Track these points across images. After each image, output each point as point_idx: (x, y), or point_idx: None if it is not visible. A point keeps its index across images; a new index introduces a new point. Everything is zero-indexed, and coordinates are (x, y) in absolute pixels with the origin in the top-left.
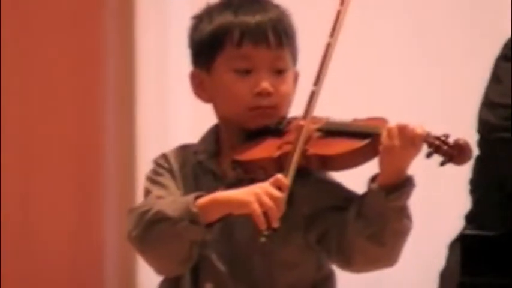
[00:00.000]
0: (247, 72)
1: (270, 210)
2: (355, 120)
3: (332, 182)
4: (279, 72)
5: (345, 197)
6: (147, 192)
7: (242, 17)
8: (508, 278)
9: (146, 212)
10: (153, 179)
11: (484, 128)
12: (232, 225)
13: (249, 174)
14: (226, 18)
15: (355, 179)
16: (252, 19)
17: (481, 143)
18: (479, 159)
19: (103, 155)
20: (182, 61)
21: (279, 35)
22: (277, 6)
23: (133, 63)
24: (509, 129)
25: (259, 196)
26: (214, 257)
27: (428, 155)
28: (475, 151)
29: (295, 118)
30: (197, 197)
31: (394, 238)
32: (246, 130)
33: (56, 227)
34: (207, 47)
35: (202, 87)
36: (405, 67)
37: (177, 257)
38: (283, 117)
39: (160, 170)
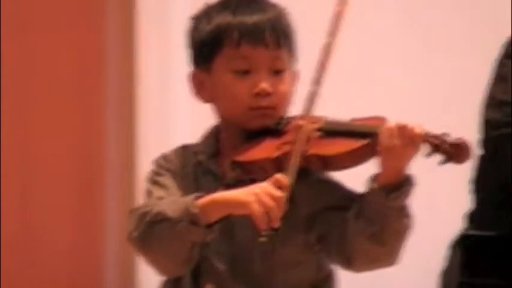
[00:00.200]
0: (246, 72)
1: (271, 210)
2: (354, 120)
3: (332, 182)
4: (278, 72)
5: (345, 196)
6: (148, 193)
7: (240, 17)
8: (508, 278)
9: (146, 213)
10: (153, 179)
11: (489, 127)
12: (233, 225)
13: (248, 174)
14: (225, 18)
15: (355, 178)
16: (250, 19)
17: (486, 142)
18: (482, 159)
19: (104, 156)
20: (183, 62)
21: (277, 35)
22: (275, 6)
23: (134, 63)
24: None
25: (260, 196)
26: (214, 257)
27: (428, 154)
28: (478, 151)
29: (294, 118)
30: (197, 198)
31: (395, 237)
32: (246, 130)
33: (56, 228)
34: (206, 48)
35: (201, 87)
36: (405, 66)
37: (177, 257)
38: (282, 117)
39: (161, 171)
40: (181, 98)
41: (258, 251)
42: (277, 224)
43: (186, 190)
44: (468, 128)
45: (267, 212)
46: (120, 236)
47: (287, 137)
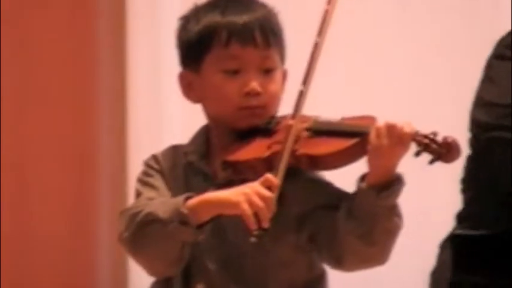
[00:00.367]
0: (236, 72)
1: (260, 210)
2: (344, 119)
3: (322, 181)
4: (267, 71)
5: (336, 196)
6: (138, 194)
7: (229, 17)
8: (499, 277)
9: (137, 213)
10: (143, 180)
11: (478, 127)
12: (224, 225)
13: (239, 174)
14: (214, 18)
15: (346, 178)
16: (239, 19)
17: (474, 143)
18: (471, 159)
19: (96, 156)
20: (174, 62)
21: (266, 34)
22: (264, 6)
23: (125, 64)
24: (503, 128)
25: (249, 196)
26: (205, 257)
27: (417, 154)
28: (467, 150)
29: (284, 117)
30: (187, 198)
31: (385, 237)
32: (236, 130)
33: (48, 229)
34: (195, 48)
35: (191, 88)
36: (394, 66)
37: (168, 258)
38: (273, 117)
39: (151, 172)
40: (173, 98)
41: (249, 250)
42: (267, 223)
43: (176, 190)
44: (459, 128)
45: (257, 212)
46: (112, 237)
47: (277, 137)
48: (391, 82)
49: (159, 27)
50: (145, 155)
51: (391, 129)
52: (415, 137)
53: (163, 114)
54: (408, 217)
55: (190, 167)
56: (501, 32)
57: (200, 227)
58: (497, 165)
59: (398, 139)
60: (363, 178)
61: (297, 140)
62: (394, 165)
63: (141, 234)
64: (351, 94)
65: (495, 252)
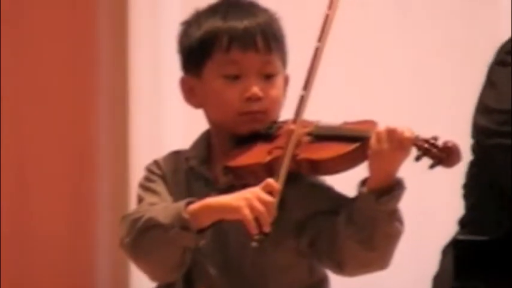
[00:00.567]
0: (237, 77)
1: (261, 215)
2: (345, 124)
3: (323, 186)
4: (269, 76)
5: (337, 200)
6: (140, 199)
7: (230, 22)
8: (500, 283)
9: (138, 219)
10: (145, 185)
11: (479, 133)
12: (225, 230)
13: (240, 179)
14: (215, 23)
15: (346, 182)
16: (240, 24)
17: (476, 148)
18: (473, 164)
19: (96, 162)
20: (175, 67)
21: (267, 39)
22: (265, 11)
23: (126, 68)
24: (505, 135)
25: (250, 201)
26: (207, 262)
27: (417, 158)
28: (469, 156)
29: (285, 122)
30: (188, 203)
31: (385, 242)
32: (237, 135)
33: (49, 234)
34: (196, 53)
35: (192, 93)
36: (395, 70)
37: (169, 263)
38: (274, 122)
39: (153, 177)
40: (174, 103)
41: (250, 255)
42: (268, 228)
43: (178, 196)
44: (459, 132)
45: (258, 216)
46: (113, 242)
47: (278, 142)
48: (392, 87)
49: (160, 30)
50: (146, 160)
51: (391, 133)
52: (416, 141)
53: (164, 118)
54: (409, 222)
55: (191, 172)
56: (501, 36)
57: (201, 232)
58: (498, 171)
59: (398, 144)
60: (363, 183)
61: (298, 144)
62: (395, 169)
63: (142, 239)
64: (352, 99)
65: (497, 257)
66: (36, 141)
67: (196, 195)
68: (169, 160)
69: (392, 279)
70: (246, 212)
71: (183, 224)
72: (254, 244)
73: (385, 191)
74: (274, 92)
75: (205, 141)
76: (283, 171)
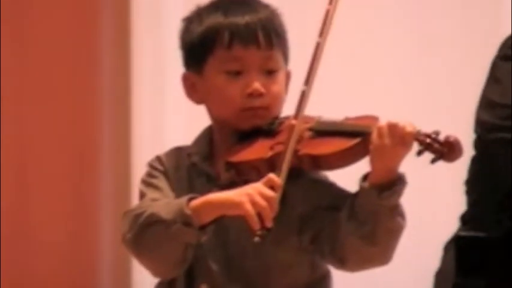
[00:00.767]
0: (238, 73)
1: (263, 210)
2: (346, 119)
3: (326, 182)
4: (270, 72)
5: (339, 196)
6: (142, 195)
7: (232, 18)
8: (502, 279)
9: (140, 214)
10: (147, 181)
11: (482, 128)
12: (227, 226)
13: (242, 175)
14: (216, 19)
15: (348, 177)
16: (241, 20)
17: (478, 143)
18: (475, 160)
19: (99, 158)
20: (177, 63)
21: (269, 35)
22: (267, 6)
23: (129, 65)
24: (507, 130)
25: (252, 196)
26: (209, 258)
27: (419, 153)
28: (471, 151)
29: (287, 118)
30: (190, 199)
31: (387, 237)
32: (239, 131)
33: (51, 230)
34: (198, 49)
35: (194, 89)
36: (397, 65)
37: (171, 259)
38: (276, 118)
39: (155, 173)
40: (176, 99)
41: (252, 251)
42: (270, 223)
43: (180, 192)
44: (460, 128)
45: (260, 211)
46: (115, 238)
47: (280, 137)
48: (393, 82)
49: (162, 28)
50: (149, 156)
51: (393, 128)
52: (417, 136)
53: (166, 114)
54: (411, 217)
55: (193, 168)
56: (501, 33)
57: (203, 228)
58: (499, 166)
59: (400, 139)
60: (365, 178)
61: (300, 140)
62: (396, 164)
63: (144, 235)
64: (353, 94)
65: (499, 254)
66: (37, 138)
67: (198, 191)
68: (171, 156)
69: (394, 274)
70: (248, 207)
71: (185, 220)
72: (256, 239)
73: (387, 186)
74: (276, 87)
75: (207, 137)
76: (285, 167)
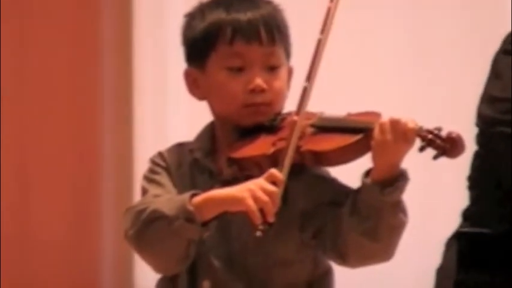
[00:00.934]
0: (240, 69)
1: (265, 205)
2: (348, 115)
3: (327, 178)
4: (272, 68)
5: (341, 192)
6: (144, 191)
7: (234, 14)
8: (504, 275)
9: (142, 210)
10: (149, 177)
11: (483, 123)
12: (229, 222)
13: (244, 171)
14: (218, 15)
15: (350, 173)
16: (243, 16)
17: (480, 138)
18: (477, 155)
19: (100, 154)
20: (180, 59)
21: (271, 31)
22: (269, 2)
23: (130, 62)
24: (507, 124)
25: (254, 192)
26: (211, 254)
27: (421, 149)
28: (474, 147)
29: (289, 114)
30: (193, 195)
31: (389, 233)
32: (241, 127)
33: (53, 227)
34: (200, 45)
35: (196, 85)
36: (400, 61)
37: (174, 255)
38: (278, 114)
39: (157, 169)
40: (178, 95)
41: (254, 247)
42: (272, 218)
43: (182, 188)
44: (464, 126)
45: (262, 207)
46: (117, 234)
47: (282, 134)
48: (395, 77)
49: (164, 24)
50: (151, 152)
51: (395, 124)
52: (420, 132)
53: (168, 111)
54: (413, 214)
55: (195, 164)
56: (502, 33)
57: (205, 224)
58: (500, 160)
59: (402, 135)
60: (367, 174)
61: (302, 136)
62: (399, 161)
63: (147, 231)
64: (355, 90)
65: (500, 250)
66: (38, 136)
67: (201, 187)
68: (173, 152)
69: (396, 271)
70: (250, 202)
71: (187, 216)
72: (258, 233)
73: (389, 182)
74: (278, 83)
75: (210, 133)
76: (287, 163)
